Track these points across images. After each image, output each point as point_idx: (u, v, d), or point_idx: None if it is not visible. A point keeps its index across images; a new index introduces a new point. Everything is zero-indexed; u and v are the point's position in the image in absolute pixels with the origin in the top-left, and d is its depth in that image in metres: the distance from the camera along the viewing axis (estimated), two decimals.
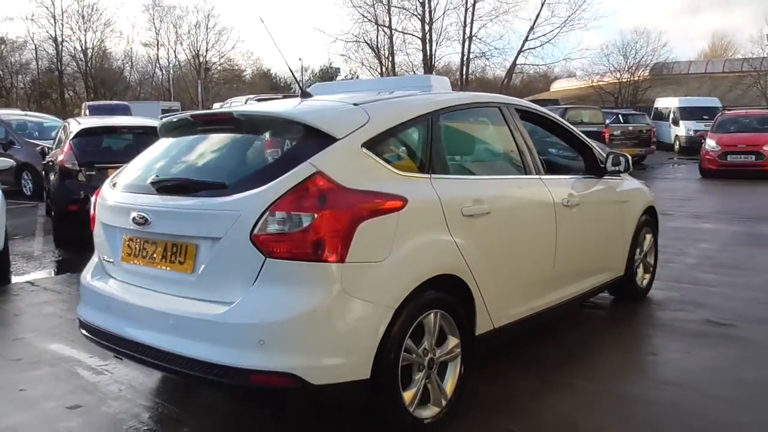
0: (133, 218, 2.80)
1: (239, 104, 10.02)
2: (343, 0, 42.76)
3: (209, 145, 3.06)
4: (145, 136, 8.19)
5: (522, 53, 41.50)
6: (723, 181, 14.21)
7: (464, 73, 42.67)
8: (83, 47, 47.42)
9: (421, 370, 2.79)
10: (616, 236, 4.51)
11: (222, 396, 3.41)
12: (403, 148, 2.99)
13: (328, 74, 57.94)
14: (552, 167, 4.20)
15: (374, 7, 42.01)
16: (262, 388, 2.45)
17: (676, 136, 24.62)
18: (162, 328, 2.64)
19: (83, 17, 46.88)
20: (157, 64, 51.97)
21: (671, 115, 25.52)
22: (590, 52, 66.13)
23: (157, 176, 2.90)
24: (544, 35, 40.34)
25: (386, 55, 44.99)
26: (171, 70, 50.98)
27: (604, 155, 4.35)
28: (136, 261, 2.90)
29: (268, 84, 55.91)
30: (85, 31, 47.24)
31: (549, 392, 3.35)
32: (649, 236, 5.02)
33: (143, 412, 3.25)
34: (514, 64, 42.20)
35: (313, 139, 2.68)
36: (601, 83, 38.91)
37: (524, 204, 3.53)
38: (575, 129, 4.34)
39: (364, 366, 2.52)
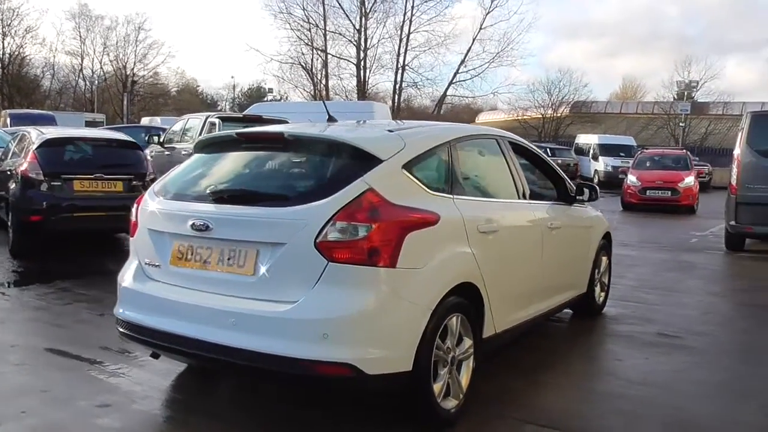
0: (192, 225, 3.05)
1: (199, 121, 10.20)
2: (281, 22, 42.99)
3: (259, 161, 3.36)
4: (108, 149, 8.32)
5: (452, 85, 43.11)
6: (642, 213, 15.47)
7: (396, 101, 43.73)
8: (1, 53, 45.24)
9: (445, 366, 3.18)
10: (583, 257, 5.09)
11: (244, 388, 3.67)
12: (432, 170, 3.40)
13: (257, 93, 57.87)
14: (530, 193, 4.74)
15: (311, 31, 42.56)
16: (325, 377, 2.77)
17: (596, 170, 26.41)
18: (222, 326, 2.90)
19: (2, 21, 44.84)
20: (81, 75, 50.17)
21: (591, 151, 27.38)
22: (516, 88, 69.55)
23: (216, 187, 3.18)
24: (474, 69, 42.14)
25: (319, 78, 45.57)
26: (96, 81, 49.34)
27: (574, 186, 4.93)
28: (187, 265, 3.15)
29: (195, 101, 55.24)
30: (3, 35, 45.14)
31: (537, 389, 3.82)
32: (605, 258, 5.63)
33: (173, 407, 3.47)
34: (444, 94, 43.73)
35: (361, 160, 3.05)
36: (525, 117, 40.91)
37: (521, 224, 4.02)
38: (551, 161, 4.89)
39: (408, 359, 2.89)
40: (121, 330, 3.41)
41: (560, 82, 41.47)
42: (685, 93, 37.25)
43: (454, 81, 42.99)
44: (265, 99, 47.27)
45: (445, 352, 3.17)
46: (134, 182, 8.01)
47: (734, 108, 39.55)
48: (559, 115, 40.68)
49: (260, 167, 3.34)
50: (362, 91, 43.20)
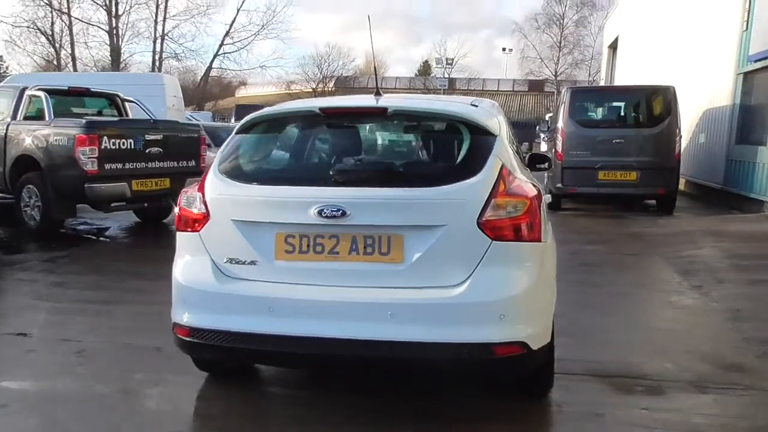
0: (320, 211, 2.68)
1: (12, 92, 8.45)
2: None
3: (365, 138, 3.05)
4: None
5: (218, 57, 41.50)
6: None
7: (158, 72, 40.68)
8: None
9: None
10: None
11: (294, 384, 3.36)
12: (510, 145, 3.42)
13: None
14: None
15: None
16: (500, 358, 2.70)
17: None
18: (377, 320, 2.64)
19: None
20: None
21: None
22: (285, 62, 69.26)
23: (341, 168, 2.81)
24: (241, 41, 41.04)
25: (61, 45, 40.32)
26: None
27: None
28: (304, 258, 2.76)
29: None
30: None
31: (566, 346, 4.03)
32: None
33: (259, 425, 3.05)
34: (210, 67, 41.90)
35: (482, 135, 2.97)
36: (295, 91, 41.21)
37: None
38: None
39: (550, 330, 2.96)
40: (194, 341, 2.87)
41: (329, 57, 42.60)
42: (445, 69, 40.98)
43: (219, 53, 41.43)
44: None
45: None
46: None
47: (477, 84, 44.76)
48: (328, 89, 41.76)
49: (374, 145, 3.04)
50: (116, 61, 39.33)
